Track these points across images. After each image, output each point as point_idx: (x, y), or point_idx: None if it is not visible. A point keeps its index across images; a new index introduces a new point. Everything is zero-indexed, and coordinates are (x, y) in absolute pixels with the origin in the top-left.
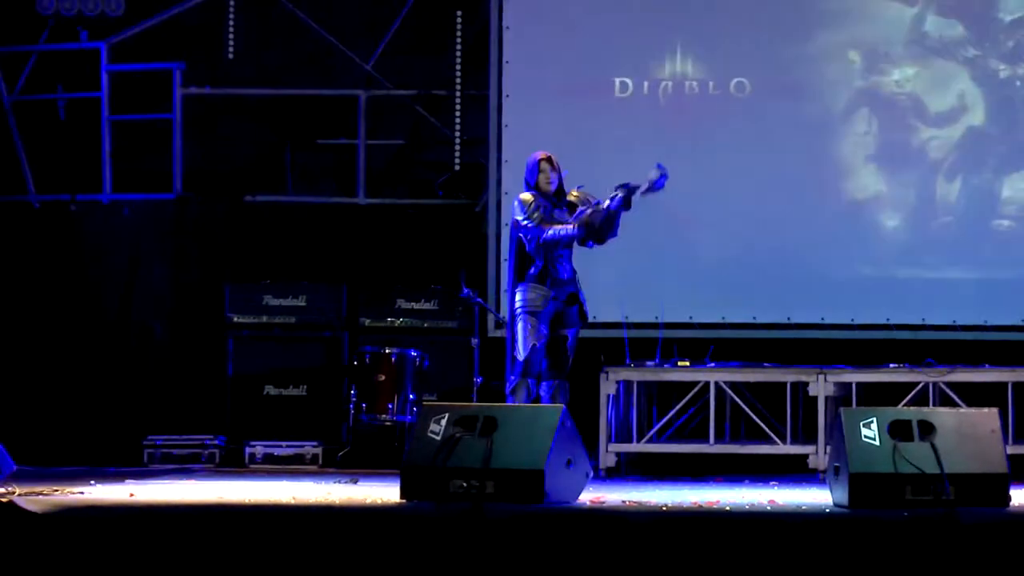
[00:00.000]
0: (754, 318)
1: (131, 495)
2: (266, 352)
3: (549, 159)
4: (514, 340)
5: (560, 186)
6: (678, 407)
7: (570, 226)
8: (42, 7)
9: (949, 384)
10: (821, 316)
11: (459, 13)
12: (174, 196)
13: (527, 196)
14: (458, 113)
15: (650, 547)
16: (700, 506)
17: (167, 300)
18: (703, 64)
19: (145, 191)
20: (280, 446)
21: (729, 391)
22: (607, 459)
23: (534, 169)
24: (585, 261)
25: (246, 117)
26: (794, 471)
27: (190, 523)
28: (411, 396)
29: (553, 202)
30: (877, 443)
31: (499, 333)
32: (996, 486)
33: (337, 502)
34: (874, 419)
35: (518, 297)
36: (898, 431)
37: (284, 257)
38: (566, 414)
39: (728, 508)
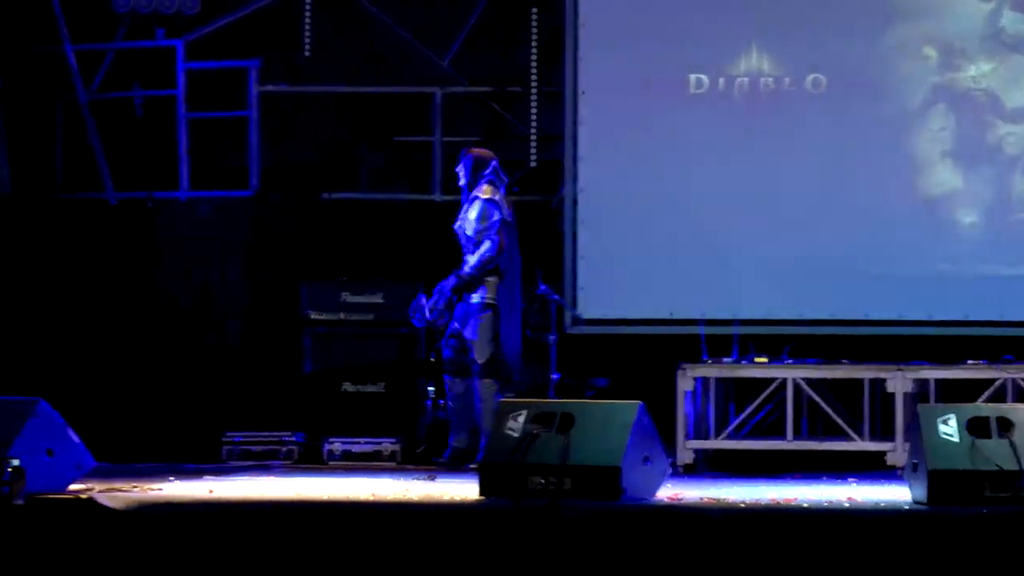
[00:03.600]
0: (832, 314)
1: (210, 492)
2: (343, 349)
3: (460, 154)
4: None
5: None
6: (755, 403)
7: None
8: (118, 5)
9: None
10: (899, 312)
11: (534, 9)
12: (251, 193)
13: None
14: (533, 110)
15: (728, 544)
16: (778, 503)
17: (244, 297)
18: (779, 60)
19: (222, 188)
20: (358, 443)
21: (807, 388)
22: (684, 456)
23: None
24: (663, 256)
25: (322, 115)
26: (872, 468)
27: (269, 520)
28: None
29: None
30: (955, 440)
31: (576, 330)
32: None
33: (415, 499)
34: (952, 416)
35: None
36: (976, 428)
37: (360, 254)
38: (643, 410)
39: (806, 505)
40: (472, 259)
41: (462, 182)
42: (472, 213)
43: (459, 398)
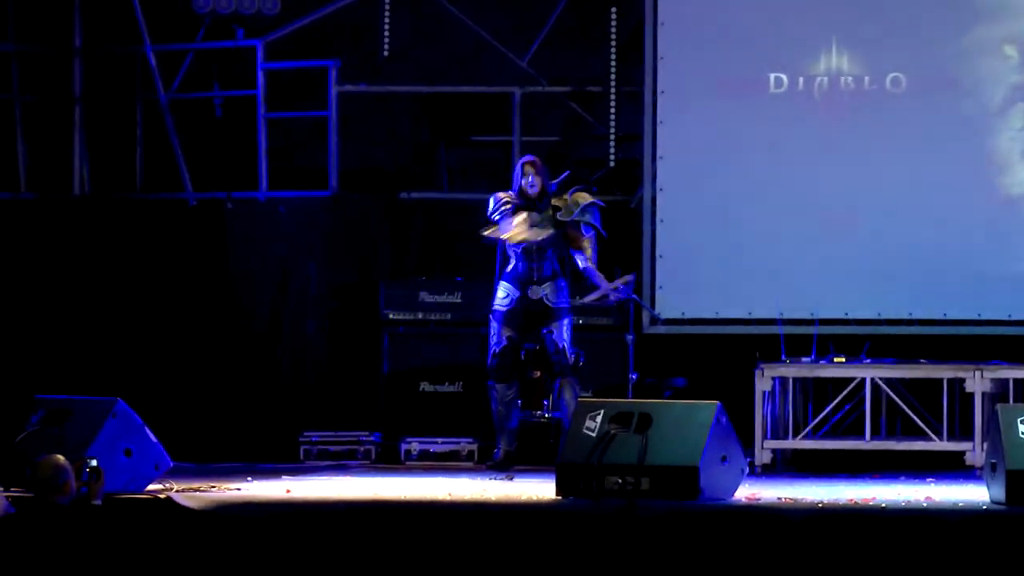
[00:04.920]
0: (910, 314)
1: (288, 491)
2: (421, 349)
3: (531, 163)
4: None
5: (543, 189)
6: (834, 403)
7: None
8: (198, 6)
9: None
10: (978, 312)
11: (613, 9)
12: (330, 193)
13: (499, 194)
14: (613, 109)
15: (806, 544)
16: (856, 503)
17: (322, 297)
18: (858, 60)
19: (301, 189)
20: (436, 443)
21: (885, 387)
22: (763, 456)
23: (517, 173)
24: (741, 255)
25: (401, 114)
26: (951, 468)
27: (346, 520)
28: None
29: (526, 203)
30: None
31: (655, 330)
32: None
33: (493, 499)
34: None
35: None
36: None
37: (439, 254)
38: (721, 410)
39: (884, 505)
40: (589, 257)
41: (537, 189)
42: (589, 218)
43: (508, 404)
